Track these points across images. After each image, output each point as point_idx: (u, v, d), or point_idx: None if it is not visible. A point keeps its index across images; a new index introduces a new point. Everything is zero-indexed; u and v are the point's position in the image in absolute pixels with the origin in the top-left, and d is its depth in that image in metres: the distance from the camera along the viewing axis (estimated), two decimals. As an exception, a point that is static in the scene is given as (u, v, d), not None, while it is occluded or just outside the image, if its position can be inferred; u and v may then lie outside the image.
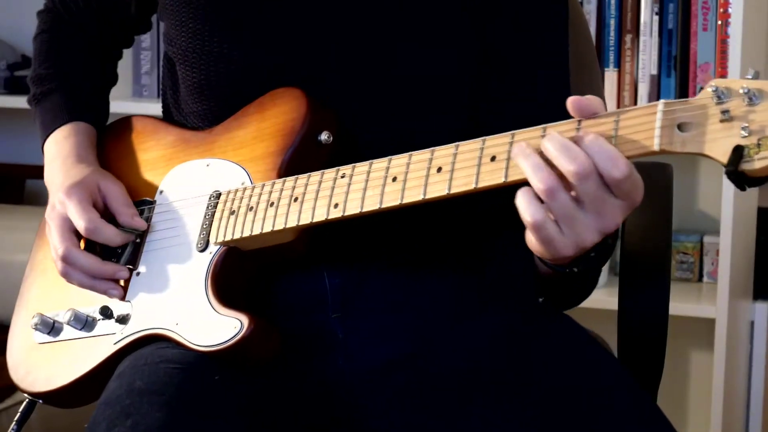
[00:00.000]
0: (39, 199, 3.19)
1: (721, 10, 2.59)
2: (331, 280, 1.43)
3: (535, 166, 1.17)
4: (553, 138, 1.18)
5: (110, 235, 1.45)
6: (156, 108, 1.71)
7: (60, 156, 1.54)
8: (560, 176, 1.17)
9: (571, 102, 1.19)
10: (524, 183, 1.19)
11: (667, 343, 1.61)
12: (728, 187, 2.52)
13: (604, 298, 2.63)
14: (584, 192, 1.16)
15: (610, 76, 2.67)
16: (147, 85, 2.97)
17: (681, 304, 2.59)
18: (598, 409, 1.33)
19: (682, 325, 2.70)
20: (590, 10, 2.67)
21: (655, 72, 2.65)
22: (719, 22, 2.60)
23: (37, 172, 3.11)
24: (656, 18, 2.65)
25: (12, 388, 2.13)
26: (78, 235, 1.47)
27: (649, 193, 1.73)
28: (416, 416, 1.39)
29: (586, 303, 2.59)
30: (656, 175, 1.78)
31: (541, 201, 1.18)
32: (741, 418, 2.78)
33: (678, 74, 2.63)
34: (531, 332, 1.43)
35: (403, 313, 1.44)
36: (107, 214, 1.48)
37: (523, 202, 1.18)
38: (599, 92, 1.78)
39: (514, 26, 1.47)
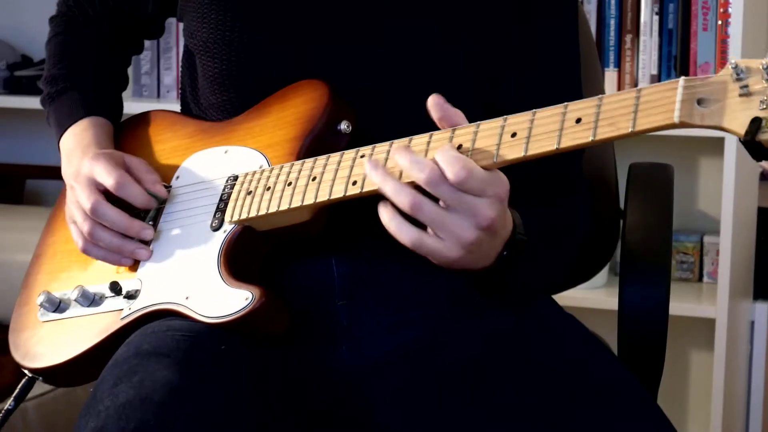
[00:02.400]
0: (39, 199, 3.20)
1: (721, 10, 2.59)
2: (339, 268, 1.44)
3: (395, 187, 1.26)
4: (401, 151, 1.27)
5: (136, 193, 1.46)
6: (155, 108, 1.72)
7: (80, 145, 1.55)
8: (419, 187, 1.25)
9: (433, 99, 1.28)
10: (545, 158, 1.25)
11: (667, 343, 1.61)
12: (728, 187, 2.52)
13: (604, 298, 2.63)
14: (443, 196, 1.24)
15: (610, 76, 2.67)
16: (147, 85, 2.98)
17: (681, 304, 2.59)
18: (600, 408, 1.34)
19: (682, 325, 2.70)
20: (590, 10, 2.68)
21: (655, 72, 2.65)
22: (719, 22, 2.60)
23: (37, 172, 3.14)
24: (656, 18, 2.65)
25: (13, 387, 2.13)
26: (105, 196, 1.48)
27: (650, 193, 1.75)
28: (418, 407, 1.39)
29: (587, 303, 2.61)
30: (657, 175, 1.78)
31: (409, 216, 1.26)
32: (741, 418, 2.78)
33: (678, 74, 2.63)
34: (535, 329, 1.43)
35: (408, 304, 1.45)
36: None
37: (392, 225, 1.26)
38: (599, 92, 1.78)
39: (524, 28, 1.48)
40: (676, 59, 2.64)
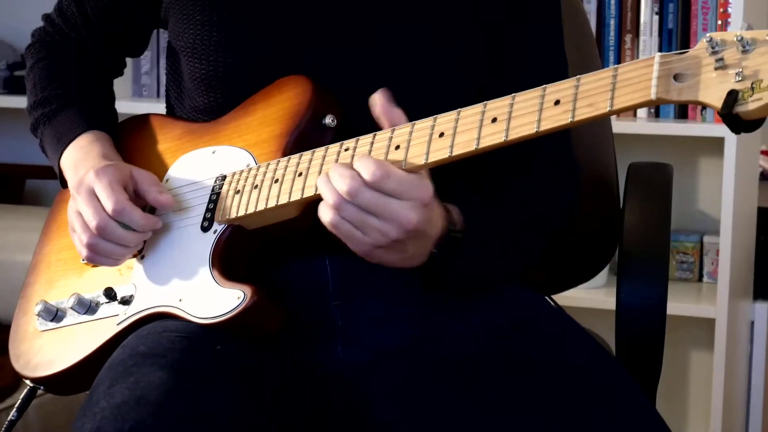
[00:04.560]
0: (39, 199, 3.19)
1: (721, 10, 2.59)
2: (333, 268, 1.44)
3: (324, 183, 1.31)
4: (333, 166, 1.31)
5: (136, 218, 1.44)
6: (155, 108, 1.72)
7: (90, 156, 1.53)
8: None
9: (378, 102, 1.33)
10: (525, 141, 1.25)
11: (666, 343, 1.61)
12: (728, 187, 2.52)
13: (603, 298, 2.63)
14: (364, 204, 1.28)
15: (610, 76, 2.66)
16: (147, 85, 2.98)
17: (681, 304, 2.59)
18: (593, 403, 1.34)
19: (682, 325, 2.70)
20: (590, 10, 2.67)
21: (655, 72, 2.65)
22: (719, 22, 2.60)
23: (37, 172, 3.14)
24: (656, 18, 2.65)
25: (12, 387, 2.13)
26: None
27: (649, 192, 1.75)
28: (415, 404, 1.40)
29: (586, 303, 2.61)
30: (656, 175, 1.78)
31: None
32: (741, 418, 2.78)
33: (678, 74, 2.63)
34: (530, 326, 1.44)
35: (403, 303, 1.45)
36: (138, 203, 1.47)
37: (321, 205, 1.31)
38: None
39: (517, 27, 1.49)
40: (676, 59, 2.64)
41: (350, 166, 1.30)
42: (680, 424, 2.82)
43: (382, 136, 1.33)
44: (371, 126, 1.37)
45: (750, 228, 2.76)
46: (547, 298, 1.57)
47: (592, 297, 2.64)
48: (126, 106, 2.74)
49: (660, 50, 2.65)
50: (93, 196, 1.45)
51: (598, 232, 1.81)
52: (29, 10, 3.12)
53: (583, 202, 1.57)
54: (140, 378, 1.27)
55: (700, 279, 2.79)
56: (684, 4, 2.64)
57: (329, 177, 1.30)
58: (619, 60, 2.68)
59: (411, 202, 1.28)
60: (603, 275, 2.68)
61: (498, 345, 1.41)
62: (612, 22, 2.68)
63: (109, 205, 1.43)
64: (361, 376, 1.42)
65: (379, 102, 1.33)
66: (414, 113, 1.33)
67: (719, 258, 2.55)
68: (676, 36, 2.64)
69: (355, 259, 1.42)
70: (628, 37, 2.67)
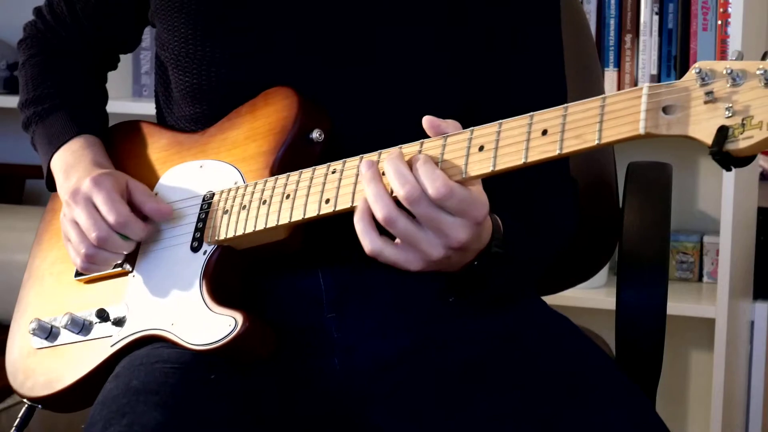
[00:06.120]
0: (39, 199, 3.19)
1: (721, 10, 2.59)
2: (326, 279, 1.43)
3: (376, 193, 1.24)
4: (390, 162, 1.24)
5: (138, 230, 1.44)
6: (155, 108, 1.71)
7: (82, 162, 1.52)
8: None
9: (426, 120, 1.26)
10: (514, 171, 1.22)
11: (666, 342, 1.62)
12: (728, 187, 2.52)
13: (602, 297, 2.63)
14: (419, 213, 1.22)
15: (610, 76, 2.67)
16: (147, 85, 2.97)
17: (681, 304, 2.59)
18: (594, 406, 1.34)
19: (682, 325, 2.70)
20: (590, 10, 2.67)
21: (654, 72, 2.65)
22: (719, 22, 2.60)
23: (37, 172, 3.11)
24: (656, 18, 2.65)
25: (11, 388, 2.13)
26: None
27: (649, 192, 1.75)
28: (413, 413, 1.39)
29: (586, 302, 2.61)
30: (656, 175, 1.78)
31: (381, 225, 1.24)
32: (741, 418, 2.78)
33: (678, 74, 2.63)
34: (528, 331, 1.43)
35: (397, 313, 1.44)
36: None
37: (359, 225, 1.26)
38: (599, 93, 1.78)
39: (506, 17, 1.47)
40: (676, 59, 2.64)
41: (408, 170, 1.24)
42: (680, 424, 2.82)
43: (369, 159, 1.29)
44: (363, 131, 1.37)
45: (750, 228, 2.76)
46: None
47: (592, 297, 2.64)
48: (126, 105, 2.74)
49: (660, 50, 2.65)
50: (91, 206, 1.44)
51: (598, 232, 1.82)
52: (29, 10, 3.12)
53: (581, 202, 1.57)
54: (134, 420, 1.26)
55: (700, 279, 2.79)
56: (684, 4, 2.64)
57: (386, 169, 1.24)
58: (619, 60, 2.68)
59: (464, 219, 1.24)
60: (603, 275, 2.68)
61: (495, 350, 1.40)
62: (612, 22, 2.68)
63: (111, 218, 1.42)
64: (359, 387, 1.42)
65: (431, 129, 1.27)
66: (406, 117, 1.32)
67: (719, 258, 2.55)
68: (676, 36, 2.64)
69: (347, 270, 1.41)
70: (628, 37, 2.67)
